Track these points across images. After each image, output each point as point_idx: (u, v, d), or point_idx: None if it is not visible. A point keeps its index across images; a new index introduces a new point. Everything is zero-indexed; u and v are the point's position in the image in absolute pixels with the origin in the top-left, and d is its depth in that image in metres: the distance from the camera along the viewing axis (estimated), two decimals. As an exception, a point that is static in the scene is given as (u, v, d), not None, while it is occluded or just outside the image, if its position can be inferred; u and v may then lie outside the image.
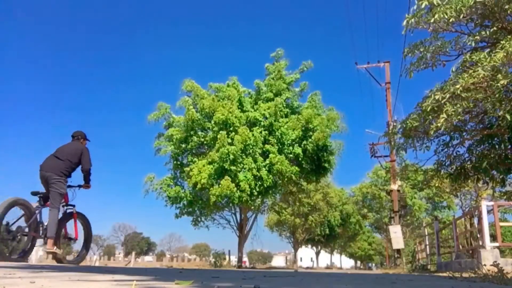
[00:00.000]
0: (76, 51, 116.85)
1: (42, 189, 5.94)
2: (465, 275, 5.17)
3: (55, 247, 5.64)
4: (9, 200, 5.29)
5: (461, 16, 7.74)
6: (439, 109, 7.81)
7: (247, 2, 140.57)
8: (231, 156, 15.15)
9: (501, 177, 9.44)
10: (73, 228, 6.18)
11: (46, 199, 5.82)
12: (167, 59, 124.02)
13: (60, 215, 5.84)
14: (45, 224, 5.66)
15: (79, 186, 6.27)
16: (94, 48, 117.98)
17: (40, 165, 5.88)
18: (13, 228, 5.37)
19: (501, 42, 7.19)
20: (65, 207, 6.10)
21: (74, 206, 6.21)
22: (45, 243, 5.58)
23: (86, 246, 6.59)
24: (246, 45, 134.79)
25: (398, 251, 18.67)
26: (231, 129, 16.05)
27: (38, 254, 19.79)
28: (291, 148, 16.76)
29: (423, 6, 7.99)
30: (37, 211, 5.69)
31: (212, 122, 16.28)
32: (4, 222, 5.19)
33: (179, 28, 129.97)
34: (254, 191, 15.71)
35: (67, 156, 5.93)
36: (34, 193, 5.86)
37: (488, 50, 7.76)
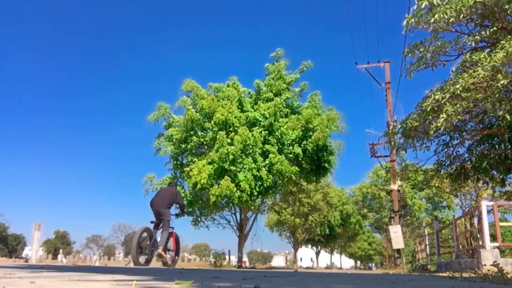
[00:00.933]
0: (77, 53, 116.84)
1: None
2: (465, 275, 5.17)
3: (163, 252, 8.38)
4: (141, 228, 8.39)
5: (461, 16, 7.74)
6: (439, 109, 7.81)
7: (247, 2, 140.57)
8: (231, 156, 15.15)
9: (501, 177, 9.44)
10: (172, 242, 8.94)
11: (157, 225, 8.68)
12: (168, 60, 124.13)
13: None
14: (158, 239, 8.51)
15: (177, 215, 9.38)
16: (95, 50, 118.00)
17: (150, 203, 8.75)
18: (142, 245, 8.33)
19: (501, 42, 7.19)
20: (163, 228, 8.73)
21: (173, 228, 8.87)
22: (157, 249, 8.33)
23: (177, 254, 9.30)
24: (246, 45, 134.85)
25: (398, 251, 18.66)
26: (230, 129, 16.05)
27: (38, 254, 19.78)
28: (291, 148, 16.75)
29: (423, 6, 7.98)
30: (155, 234, 8.54)
31: (212, 122, 16.27)
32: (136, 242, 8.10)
33: (179, 30, 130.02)
34: (254, 191, 15.70)
35: (167, 196, 8.85)
36: (152, 222, 8.71)
37: (488, 50, 7.76)
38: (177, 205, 9.30)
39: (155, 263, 9.07)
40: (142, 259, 8.27)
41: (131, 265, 8.71)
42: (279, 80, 17.80)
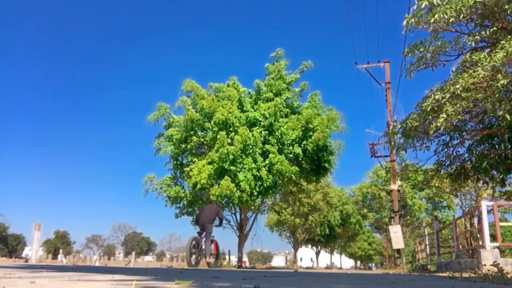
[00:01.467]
0: (77, 55, 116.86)
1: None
2: (465, 275, 5.17)
3: (209, 258, 10.62)
4: (191, 237, 10.46)
5: (461, 16, 7.73)
6: (439, 109, 7.80)
7: (247, 4, 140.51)
8: (231, 156, 15.15)
9: (501, 177, 9.42)
10: (213, 248, 10.94)
11: (201, 234, 10.79)
12: (168, 61, 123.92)
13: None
14: (203, 246, 10.63)
15: (216, 225, 11.26)
16: (96, 51, 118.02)
17: (197, 218, 11.49)
18: (193, 250, 10.35)
19: (501, 42, 7.18)
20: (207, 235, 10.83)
21: (213, 236, 11.06)
22: (205, 256, 10.54)
23: (218, 257, 11.44)
24: (247, 47, 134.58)
25: (398, 251, 18.65)
26: (231, 129, 16.04)
27: (38, 254, 19.78)
28: (291, 148, 16.74)
29: (423, 6, 7.98)
30: (200, 242, 10.65)
31: (212, 122, 16.27)
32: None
33: (180, 31, 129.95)
34: (254, 191, 15.70)
35: (211, 212, 11.02)
36: (198, 232, 10.94)
37: (488, 50, 7.75)
38: (218, 219, 11.51)
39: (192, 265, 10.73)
40: (193, 260, 10.35)
41: (131, 265, 8.80)
42: (279, 80, 17.79)
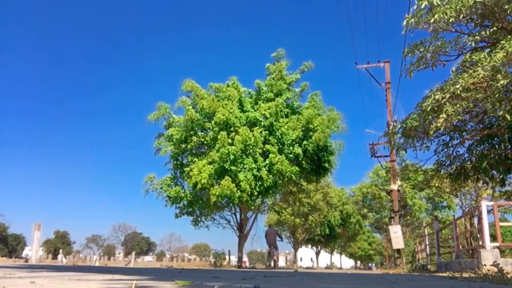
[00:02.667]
0: (77, 55, 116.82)
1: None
2: (465, 275, 5.17)
3: (277, 259, 16.14)
4: (268, 249, 16.03)
5: (461, 16, 7.73)
6: (439, 109, 7.80)
7: (248, 4, 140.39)
8: (231, 156, 15.14)
9: (501, 177, 9.41)
10: (277, 256, 16.29)
11: (271, 248, 15.82)
12: (169, 62, 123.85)
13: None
14: (274, 253, 15.94)
15: (279, 241, 16.34)
16: (97, 52, 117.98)
17: (266, 240, 16.00)
18: (269, 258, 16.22)
19: (501, 42, 7.18)
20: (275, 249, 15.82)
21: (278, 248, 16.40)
22: (275, 259, 15.87)
23: (276, 263, 16.11)
24: (247, 47, 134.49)
25: (398, 251, 18.64)
26: (231, 129, 16.04)
27: (38, 254, 19.79)
28: (291, 148, 16.74)
29: (423, 6, 7.98)
30: (272, 253, 15.77)
31: (213, 122, 16.26)
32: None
33: (181, 31, 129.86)
34: (254, 191, 15.70)
35: (273, 235, 15.95)
36: (269, 247, 16.57)
37: (488, 50, 7.75)
38: (279, 237, 16.28)
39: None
40: (270, 264, 15.63)
41: (131, 265, 8.76)
42: (280, 80, 17.78)
